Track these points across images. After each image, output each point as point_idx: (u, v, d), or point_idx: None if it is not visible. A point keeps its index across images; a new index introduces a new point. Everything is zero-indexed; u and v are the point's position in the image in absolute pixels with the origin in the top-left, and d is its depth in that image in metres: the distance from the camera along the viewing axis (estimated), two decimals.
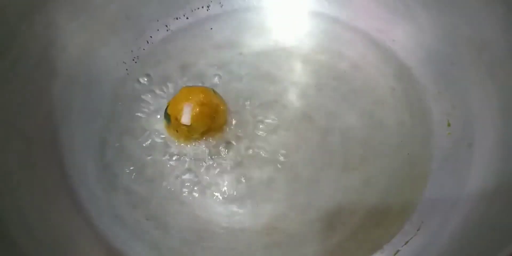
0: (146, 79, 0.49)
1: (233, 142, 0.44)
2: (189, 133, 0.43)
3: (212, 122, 0.43)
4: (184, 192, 0.42)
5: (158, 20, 0.52)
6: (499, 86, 0.38)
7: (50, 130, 0.42)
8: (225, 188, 0.42)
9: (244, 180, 0.42)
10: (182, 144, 0.44)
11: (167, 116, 0.44)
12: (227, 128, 0.45)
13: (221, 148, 0.44)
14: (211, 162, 0.43)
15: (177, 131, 0.44)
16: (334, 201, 0.41)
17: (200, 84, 0.47)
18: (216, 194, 0.42)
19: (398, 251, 0.38)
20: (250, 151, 0.43)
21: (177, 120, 0.42)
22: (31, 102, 0.41)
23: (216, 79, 0.48)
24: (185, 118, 0.42)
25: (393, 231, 0.39)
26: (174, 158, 0.44)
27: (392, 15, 0.49)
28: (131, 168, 0.44)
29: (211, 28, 0.53)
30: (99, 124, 0.46)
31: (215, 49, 0.51)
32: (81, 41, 0.46)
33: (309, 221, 0.40)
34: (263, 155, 0.43)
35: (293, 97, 0.47)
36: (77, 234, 0.39)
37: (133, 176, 0.43)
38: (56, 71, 0.44)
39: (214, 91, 0.45)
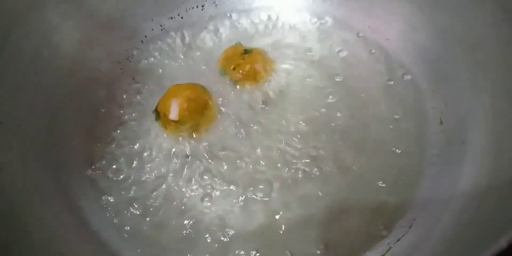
0: (140, 78, 0.49)
1: (222, 138, 0.44)
2: (178, 129, 0.44)
3: (201, 117, 0.44)
4: (177, 190, 0.42)
5: (152, 20, 0.52)
6: (491, 84, 0.38)
7: (45, 129, 0.42)
8: (216, 186, 0.42)
9: (234, 179, 0.42)
10: (174, 140, 0.44)
11: (157, 113, 0.44)
12: (217, 123, 0.45)
13: (211, 144, 0.44)
14: (202, 158, 0.43)
15: (166, 127, 0.44)
16: (327, 200, 0.41)
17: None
18: (208, 192, 0.42)
19: (390, 248, 0.38)
20: (240, 148, 0.43)
21: (166, 116, 0.43)
22: (26, 102, 0.41)
23: (210, 78, 0.48)
24: (173, 114, 0.42)
25: (386, 228, 0.39)
26: (167, 155, 0.44)
27: (386, 14, 0.49)
28: (125, 166, 0.44)
29: (206, 28, 0.53)
30: (93, 123, 0.46)
31: (209, 49, 0.51)
32: (75, 40, 0.46)
33: (303, 220, 0.40)
34: (253, 153, 0.43)
35: (287, 96, 0.47)
36: (71, 232, 0.38)
37: (127, 175, 0.43)
38: (50, 70, 0.44)
39: (203, 88, 0.45)
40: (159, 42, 0.52)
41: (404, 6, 0.47)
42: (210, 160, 0.43)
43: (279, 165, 0.43)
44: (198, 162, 0.43)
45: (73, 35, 0.46)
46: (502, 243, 0.26)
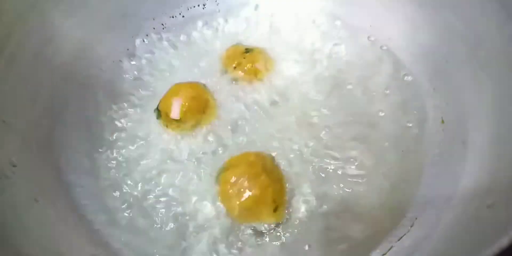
0: (142, 77, 0.49)
1: (223, 136, 0.44)
2: (179, 127, 0.44)
3: (202, 116, 0.44)
4: (179, 189, 0.42)
5: (154, 19, 0.53)
6: (493, 83, 0.38)
7: (46, 128, 0.42)
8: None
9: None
10: (175, 139, 0.44)
11: (158, 112, 0.44)
12: (218, 122, 0.45)
13: (213, 142, 0.44)
14: (204, 157, 0.43)
15: (167, 126, 0.44)
16: (328, 199, 0.40)
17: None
18: (210, 192, 0.41)
19: (392, 247, 0.38)
20: (240, 147, 0.43)
21: (167, 115, 0.43)
22: (27, 100, 0.41)
23: (211, 77, 0.48)
24: (174, 113, 0.42)
25: (387, 227, 0.39)
26: (168, 154, 0.44)
27: (387, 13, 0.49)
28: (126, 165, 0.44)
29: (207, 26, 0.53)
30: (94, 122, 0.46)
31: (211, 48, 0.51)
32: (77, 39, 0.46)
33: (303, 220, 0.40)
34: (252, 149, 0.43)
35: (288, 95, 0.47)
36: (73, 232, 0.39)
37: (128, 174, 0.43)
38: (52, 68, 0.44)
39: (204, 86, 0.46)
40: (160, 40, 0.52)
41: (406, 5, 0.47)
42: (211, 159, 0.43)
43: (280, 163, 0.42)
44: (199, 160, 0.43)
45: (74, 34, 0.46)
46: (504, 242, 0.26)
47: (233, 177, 0.39)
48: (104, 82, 0.48)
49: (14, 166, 0.38)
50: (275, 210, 0.38)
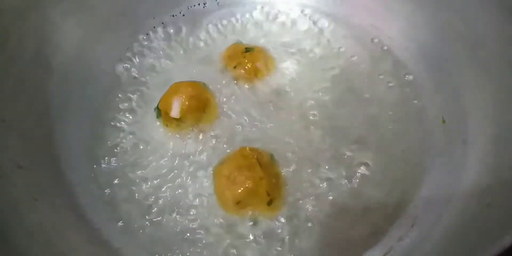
0: (142, 76, 0.49)
1: (223, 135, 0.44)
2: (179, 126, 0.44)
3: (202, 115, 0.44)
4: (179, 187, 0.42)
5: (154, 18, 0.52)
6: (493, 82, 0.39)
7: (46, 127, 0.42)
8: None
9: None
10: (175, 137, 0.44)
11: (158, 111, 0.44)
12: (218, 121, 0.45)
13: (213, 141, 0.44)
14: (203, 156, 0.43)
15: (167, 125, 0.44)
16: (329, 199, 0.40)
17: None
18: (209, 191, 0.41)
19: (392, 247, 0.38)
20: (240, 146, 0.43)
21: (167, 114, 0.43)
22: (27, 100, 0.41)
23: (211, 76, 0.48)
24: (174, 112, 0.43)
25: (388, 227, 0.39)
26: (168, 152, 0.44)
27: (388, 12, 0.49)
28: (126, 164, 0.44)
29: (207, 25, 0.53)
30: (94, 121, 0.46)
31: (211, 47, 0.51)
32: (76, 38, 0.46)
33: (304, 220, 0.40)
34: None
35: (288, 94, 0.47)
36: (73, 231, 0.38)
37: (128, 172, 0.43)
38: (51, 68, 0.44)
39: (204, 85, 0.46)
40: (161, 39, 0.52)
41: (406, 4, 0.47)
42: (210, 157, 0.43)
43: (280, 162, 0.42)
44: (199, 159, 0.43)
45: (74, 33, 0.46)
46: (506, 241, 0.26)
47: (227, 169, 0.39)
48: (104, 81, 0.48)
49: (20, 167, 0.37)
50: (269, 203, 0.38)
